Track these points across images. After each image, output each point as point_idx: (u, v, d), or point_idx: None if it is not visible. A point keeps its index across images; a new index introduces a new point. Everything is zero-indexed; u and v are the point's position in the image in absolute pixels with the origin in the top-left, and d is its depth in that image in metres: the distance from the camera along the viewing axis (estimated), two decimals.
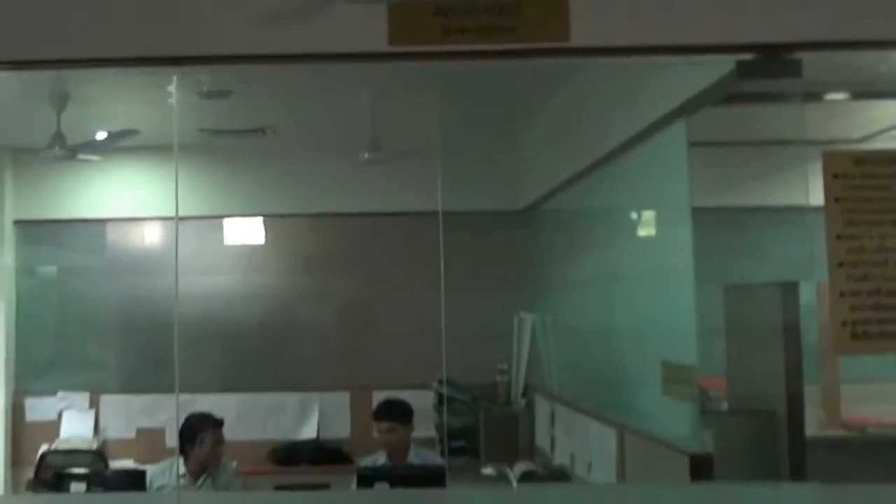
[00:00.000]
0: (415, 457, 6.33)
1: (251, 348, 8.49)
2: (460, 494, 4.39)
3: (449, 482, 5.38)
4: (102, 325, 8.51)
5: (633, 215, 5.71)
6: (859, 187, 3.40)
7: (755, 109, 5.03)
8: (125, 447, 8.28)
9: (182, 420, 6.37)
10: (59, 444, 8.12)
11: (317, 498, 4.43)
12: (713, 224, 5.31)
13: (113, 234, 8.63)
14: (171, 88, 3.86)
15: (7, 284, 8.43)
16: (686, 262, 4.59)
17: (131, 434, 8.43)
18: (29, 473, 7.43)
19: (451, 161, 4.58)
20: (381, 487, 5.17)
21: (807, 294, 4.60)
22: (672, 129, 4.71)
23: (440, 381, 7.56)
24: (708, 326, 4.69)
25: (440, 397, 7.55)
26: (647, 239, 5.56)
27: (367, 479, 5.49)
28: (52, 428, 8.35)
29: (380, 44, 3.13)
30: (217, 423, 6.26)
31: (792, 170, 4.53)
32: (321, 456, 8.14)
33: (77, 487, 5.67)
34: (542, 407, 7.31)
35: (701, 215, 4.66)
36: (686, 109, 4.48)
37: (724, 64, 3.62)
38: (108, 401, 8.50)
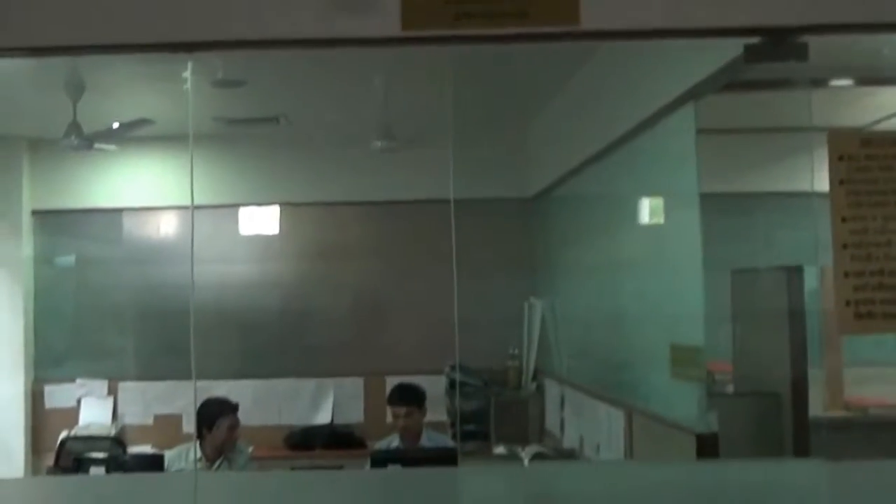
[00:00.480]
0: (427, 440, 6.34)
1: (267, 335, 8.51)
2: (471, 472, 4.41)
3: (460, 463, 5.40)
4: (120, 314, 8.54)
5: (642, 201, 5.72)
6: (864, 169, 3.40)
7: (762, 96, 5.03)
8: (143, 433, 8.33)
9: (199, 405, 6.39)
10: (78, 431, 8.17)
11: (330, 477, 4.45)
12: (720, 210, 5.32)
13: (129, 224, 8.67)
14: (187, 74, 3.87)
15: (25, 274, 8.46)
16: (694, 248, 4.60)
17: (149, 420, 8.48)
18: (49, 460, 7.46)
19: (463, 149, 4.58)
20: (394, 469, 5.20)
21: (812, 279, 4.61)
22: (680, 116, 4.71)
23: (452, 367, 7.58)
24: (715, 311, 4.70)
25: (452, 382, 7.57)
26: (656, 225, 5.56)
27: (380, 461, 5.52)
28: (72, 415, 8.41)
29: (393, 29, 3.14)
30: (233, 408, 6.29)
31: (798, 156, 4.53)
32: (335, 440, 8.17)
33: (96, 472, 5.70)
34: (551, 391, 7.33)
35: (708, 201, 4.66)
36: (694, 94, 4.48)
37: (732, 48, 3.63)
38: (126, 388, 8.54)
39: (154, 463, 5.99)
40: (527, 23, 3.18)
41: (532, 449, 5.51)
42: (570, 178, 6.97)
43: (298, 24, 3.15)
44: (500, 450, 4.89)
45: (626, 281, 5.86)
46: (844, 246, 3.32)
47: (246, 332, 8.48)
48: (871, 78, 5.21)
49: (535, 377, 7.86)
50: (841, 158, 3.40)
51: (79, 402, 8.49)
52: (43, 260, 8.63)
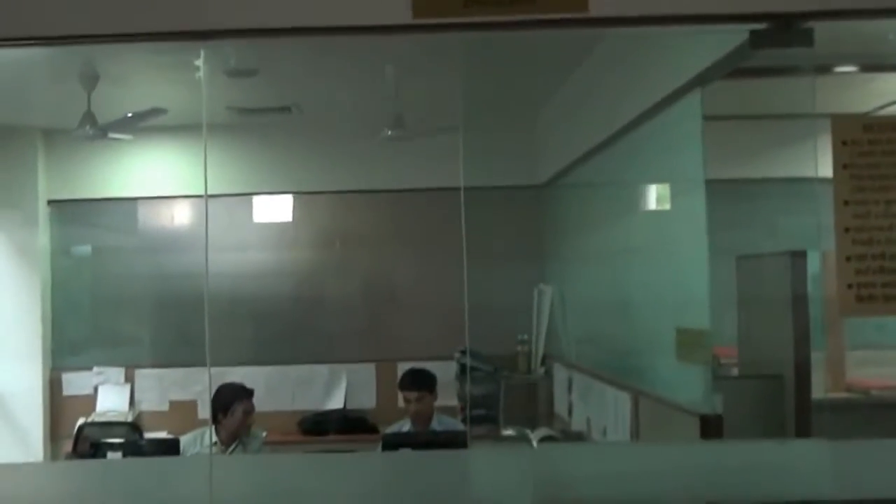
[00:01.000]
0: (438, 424, 6.37)
1: (281, 323, 8.55)
2: (481, 454, 4.43)
3: (470, 445, 5.42)
4: (136, 303, 8.58)
5: (648, 188, 5.73)
6: (867, 153, 3.41)
7: (766, 83, 5.04)
8: (159, 419, 8.37)
9: (214, 391, 6.42)
10: (95, 417, 8.21)
11: (342, 459, 4.47)
12: (726, 196, 5.33)
13: (144, 213, 8.70)
14: (199, 63, 3.89)
15: (42, 264, 8.50)
16: (700, 234, 4.61)
17: (164, 406, 8.52)
18: (67, 446, 7.50)
19: (473, 137, 4.60)
20: (405, 452, 5.23)
21: (815, 264, 4.62)
22: (686, 102, 4.71)
23: (462, 352, 7.59)
24: (720, 296, 4.71)
25: (463, 367, 7.59)
26: (662, 211, 5.57)
27: (391, 444, 5.54)
28: (89, 402, 8.46)
29: (404, 16, 3.16)
30: (247, 394, 6.32)
31: (802, 142, 4.54)
32: (348, 425, 8.22)
33: (113, 457, 5.74)
34: (560, 375, 7.35)
35: (714, 187, 4.67)
36: (700, 81, 4.49)
37: (737, 34, 3.64)
38: (142, 375, 8.59)
39: (170, 448, 6.01)
40: (535, 9, 3.20)
41: (541, 432, 5.52)
42: (579, 165, 6.98)
43: (309, 13, 3.17)
44: (508, 431, 4.91)
45: (633, 267, 5.87)
46: (846, 230, 3.34)
47: (260, 320, 8.51)
48: (875, 64, 5.21)
49: (544, 362, 7.87)
50: (844, 143, 3.42)
51: (96, 389, 8.52)
52: (59, 250, 8.66)
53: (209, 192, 7.15)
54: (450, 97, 5.10)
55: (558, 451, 4.26)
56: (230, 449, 6.15)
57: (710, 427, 4.01)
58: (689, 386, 4.57)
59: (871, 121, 3.42)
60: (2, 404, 8.27)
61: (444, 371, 7.38)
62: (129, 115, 6.57)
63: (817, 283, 4.61)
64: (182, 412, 8.28)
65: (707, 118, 4.58)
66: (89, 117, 6.42)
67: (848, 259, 3.33)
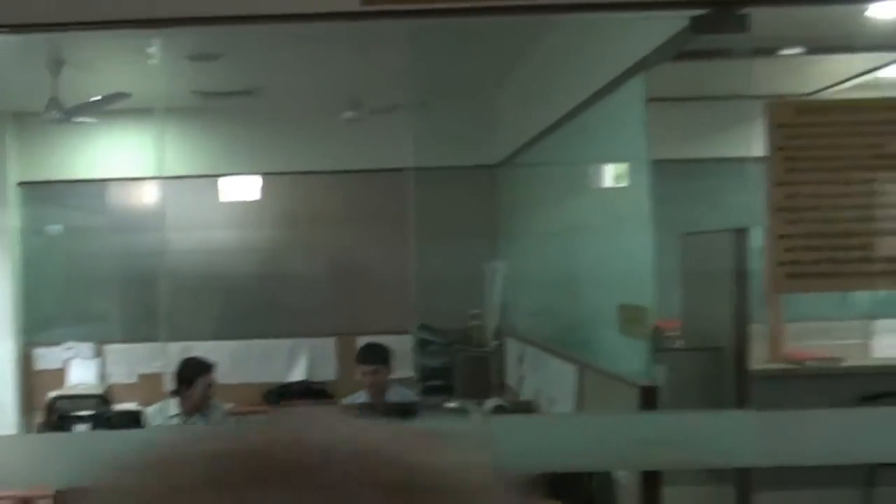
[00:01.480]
0: (393, 395, 6.38)
1: (245, 298, 8.52)
2: (429, 424, 4.42)
3: (420, 416, 5.43)
4: (105, 280, 8.53)
5: (595, 168, 5.73)
6: (801, 136, 3.42)
7: (709, 66, 5.05)
8: (128, 391, 8.32)
9: (178, 365, 6.41)
10: (66, 391, 8.16)
11: None
12: (671, 175, 5.34)
13: (113, 194, 8.63)
14: (152, 51, 3.86)
15: (12, 244, 8.43)
16: (644, 212, 4.62)
17: (133, 379, 8.47)
18: (39, 418, 7.48)
19: (429, 118, 4.60)
20: None
21: (759, 241, 4.64)
22: (631, 85, 4.72)
23: (420, 327, 7.61)
24: (665, 271, 4.72)
25: (419, 341, 7.62)
26: (608, 190, 5.58)
27: None
28: (60, 376, 8.42)
29: (352, 3, 3.14)
30: (209, 368, 6.31)
31: (743, 123, 4.56)
32: (310, 396, 8.24)
33: (81, 427, 5.74)
34: (512, 349, 7.37)
35: (658, 167, 4.68)
36: (644, 65, 4.49)
37: (681, 19, 3.64)
38: (111, 350, 8.54)
39: (134, 418, 6.05)
40: None
41: (492, 402, 5.54)
42: (531, 145, 6.98)
43: (261, 1, 3.14)
44: (451, 404, 4.94)
45: (581, 244, 5.89)
46: (779, 209, 3.35)
47: (226, 296, 8.49)
48: (819, 47, 5.23)
49: (497, 336, 7.88)
50: (780, 126, 3.43)
51: (66, 363, 8.48)
52: (30, 230, 8.59)
53: (173, 174, 7.12)
54: (406, 78, 5.08)
55: (500, 423, 4.27)
56: (191, 419, 6.13)
57: (648, 397, 4.04)
58: (630, 358, 4.60)
59: (803, 105, 3.44)
60: None
61: (402, 344, 7.38)
62: (93, 99, 6.51)
63: (759, 259, 4.63)
64: (150, 384, 8.22)
65: (652, 100, 4.59)
66: (55, 102, 6.37)
67: (780, 237, 3.34)
